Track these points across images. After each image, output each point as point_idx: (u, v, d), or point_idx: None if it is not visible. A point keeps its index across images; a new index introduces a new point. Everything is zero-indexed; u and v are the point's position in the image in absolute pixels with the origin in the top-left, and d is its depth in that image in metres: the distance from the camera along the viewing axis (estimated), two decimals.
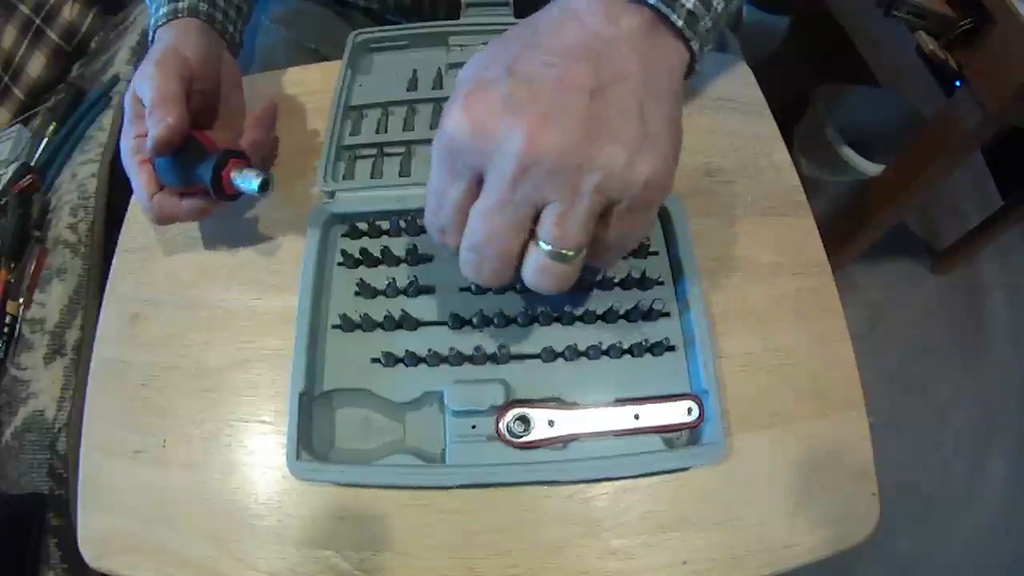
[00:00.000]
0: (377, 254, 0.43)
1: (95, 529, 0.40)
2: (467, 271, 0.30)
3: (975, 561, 1.06)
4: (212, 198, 0.42)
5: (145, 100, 0.41)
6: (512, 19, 0.52)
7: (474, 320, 0.41)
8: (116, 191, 0.75)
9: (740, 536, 0.38)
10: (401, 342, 0.40)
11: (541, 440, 0.37)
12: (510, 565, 0.37)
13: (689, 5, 0.29)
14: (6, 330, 0.66)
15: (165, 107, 0.40)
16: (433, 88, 0.50)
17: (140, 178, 0.42)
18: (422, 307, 0.42)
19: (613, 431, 0.38)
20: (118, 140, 0.71)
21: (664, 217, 0.44)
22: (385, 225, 0.45)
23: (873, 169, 1.10)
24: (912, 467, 1.13)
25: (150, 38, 0.49)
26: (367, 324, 0.41)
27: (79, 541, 0.39)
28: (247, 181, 0.40)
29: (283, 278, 0.45)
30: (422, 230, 0.45)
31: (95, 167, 0.75)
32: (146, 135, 0.41)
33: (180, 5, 0.47)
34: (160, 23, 0.47)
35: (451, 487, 0.38)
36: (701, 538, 0.38)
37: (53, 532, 0.59)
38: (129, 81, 0.82)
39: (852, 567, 1.01)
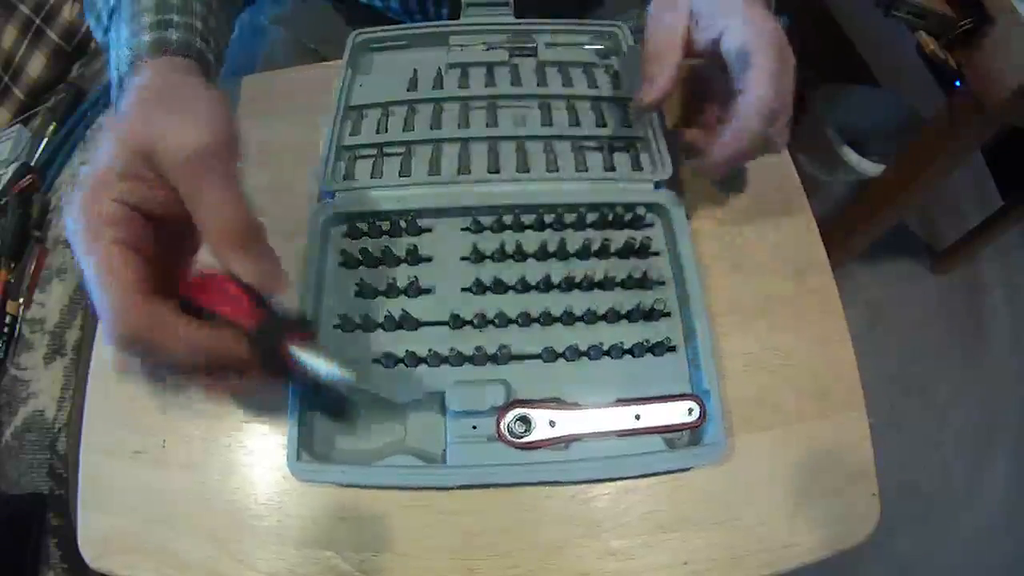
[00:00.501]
0: (377, 254, 0.43)
1: (95, 529, 0.40)
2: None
3: (975, 561, 1.07)
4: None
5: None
6: (512, 19, 0.52)
7: (475, 320, 0.41)
8: None
9: (740, 536, 0.38)
10: (401, 342, 0.40)
11: (542, 440, 0.37)
12: (510, 566, 0.37)
13: None
14: (6, 330, 0.65)
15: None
16: (433, 88, 0.50)
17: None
18: (423, 308, 0.42)
19: (614, 431, 0.38)
20: None
21: (665, 218, 0.45)
22: (385, 225, 0.45)
23: (873, 169, 1.10)
24: (912, 467, 1.13)
25: (115, 78, 0.39)
26: (367, 325, 0.41)
27: (79, 542, 0.39)
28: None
29: None
30: (423, 230, 0.45)
31: None
32: (134, 245, 0.28)
33: (170, 36, 0.38)
34: (140, 57, 0.38)
35: (452, 488, 0.38)
36: (701, 538, 0.38)
37: (53, 532, 0.58)
38: None
39: (852, 567, 1.01)
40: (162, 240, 0.30)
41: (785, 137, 0.43)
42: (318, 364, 0.30)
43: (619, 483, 0.39)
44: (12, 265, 0.68)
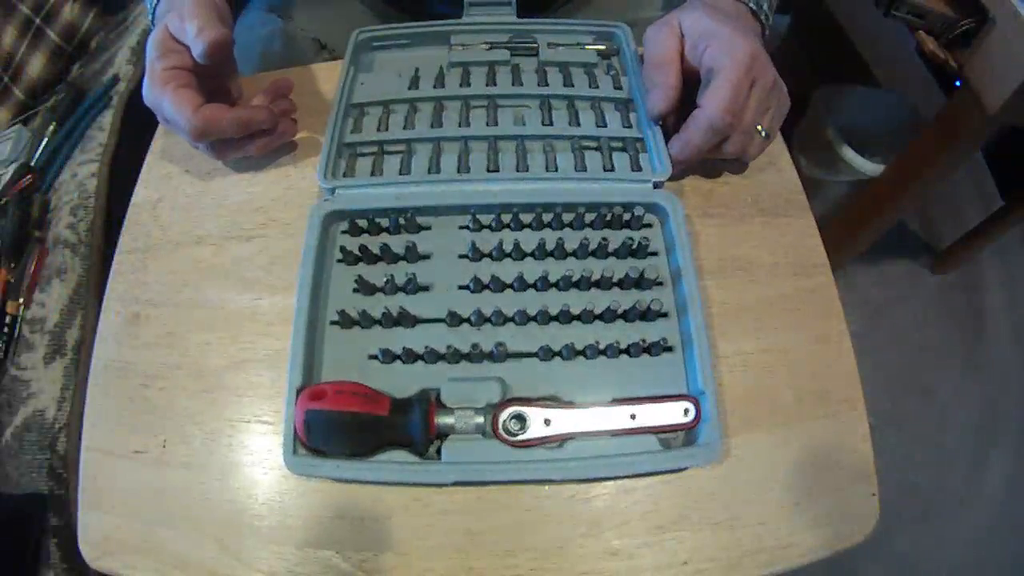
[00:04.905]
0: (376, 251, 0.43)
1: (95, 530, 0.40)
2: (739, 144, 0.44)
3: (975, 561, 1.06)
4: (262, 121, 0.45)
5: (189, 34, 0.41)
6: (514, 19, 0.52)
7: (472, 318, 0.41)
8: (116, 191, 0.75)
9: (740, 536, 0.38)
10: (399, 339, 0.40)
11: (537, 439, 0.37)
12: (511, 565, 0.37)
13: (765, 6, 0.49)
14: (6, 330, 0.66)
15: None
16: (435, 87, 0.50)
17: (177, 98, 0.42)
18: (420, 304, 0.42)
19: (609, 431, 0.38)
20: (118, 139, 0.70)
21: (663, 218, 0.45)
22: (385, 223, 0.45)
23: (873, 169, 1.10)
24: (912, 467, 1.13)
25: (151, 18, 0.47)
26: (365, 321, 0.41)
27: (80, 542, 0.39)
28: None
29: (283, 278, 0.45)
30: (422, 228, 0.45)
31: (95, 167, 0.75)
32: (181, 67, 0.43)
33: None
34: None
35: (446, 484, 0.38)
36: (701, 538, 0.38)
37: (53, 532, 0.58)
38: (129, 81, 0.82)
39: (852, 567, 1.01)
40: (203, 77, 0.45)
41: (750, 151, 0.46)
42: (456, 420, 0.38)
43: (619, 482, 0.39)
44: (12, 265, 0.68)
